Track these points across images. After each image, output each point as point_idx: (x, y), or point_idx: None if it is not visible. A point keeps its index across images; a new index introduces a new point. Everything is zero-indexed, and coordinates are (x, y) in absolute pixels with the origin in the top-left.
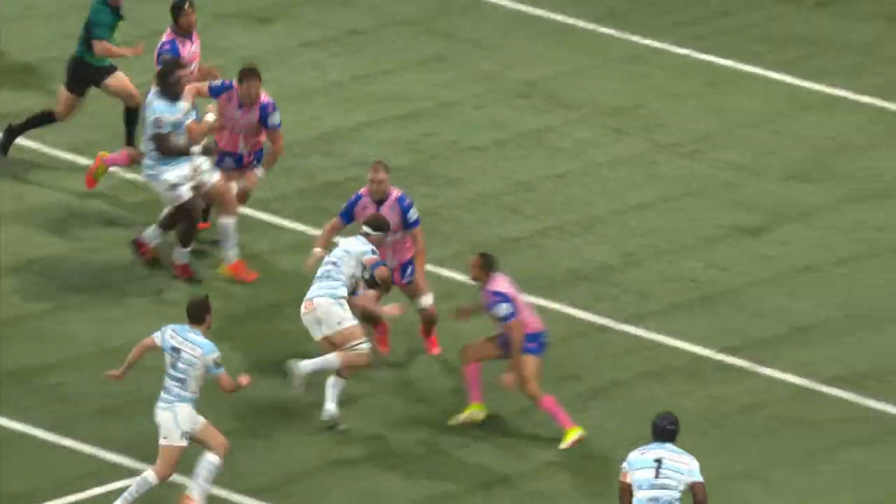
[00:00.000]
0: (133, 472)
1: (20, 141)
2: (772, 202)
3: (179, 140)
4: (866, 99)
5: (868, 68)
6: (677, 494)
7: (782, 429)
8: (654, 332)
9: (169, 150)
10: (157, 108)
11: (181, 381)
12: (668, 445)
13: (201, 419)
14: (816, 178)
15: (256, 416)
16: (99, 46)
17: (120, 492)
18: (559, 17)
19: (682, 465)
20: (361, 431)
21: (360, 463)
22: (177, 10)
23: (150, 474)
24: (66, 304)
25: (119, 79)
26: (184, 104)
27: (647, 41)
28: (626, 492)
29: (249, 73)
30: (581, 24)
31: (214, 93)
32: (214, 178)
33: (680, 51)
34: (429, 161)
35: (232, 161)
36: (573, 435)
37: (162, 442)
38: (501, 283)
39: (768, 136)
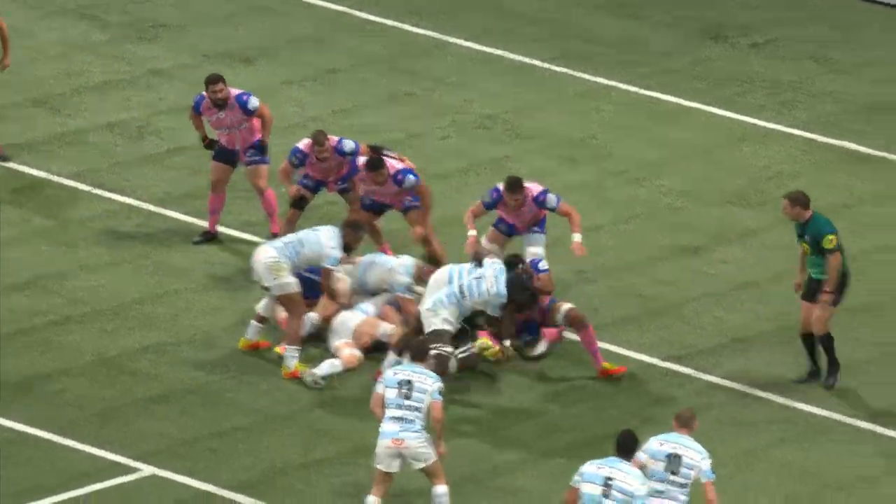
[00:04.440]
0: (129, 470)
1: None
2: (711, 225)
3: None
4: (796, 131)
5: (797, 104)
6: None
7: (722, 430)
8: (605, 342)
9: None
10: None
11: (419, 409)
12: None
13: None
14: (752, 203)
15: (241, 415)
16: None
17: (119, 488)
18: (517, 57)
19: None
20: (338, 432)
21: (338, 459)
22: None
23: (443, 487)
24: (70, 317)
25: None
26: None
27: (597, 79)
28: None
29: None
30: (537, 63)
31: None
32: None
33: (627, 88)
34: None
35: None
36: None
37: (420, 466)
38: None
39: (707, 166)
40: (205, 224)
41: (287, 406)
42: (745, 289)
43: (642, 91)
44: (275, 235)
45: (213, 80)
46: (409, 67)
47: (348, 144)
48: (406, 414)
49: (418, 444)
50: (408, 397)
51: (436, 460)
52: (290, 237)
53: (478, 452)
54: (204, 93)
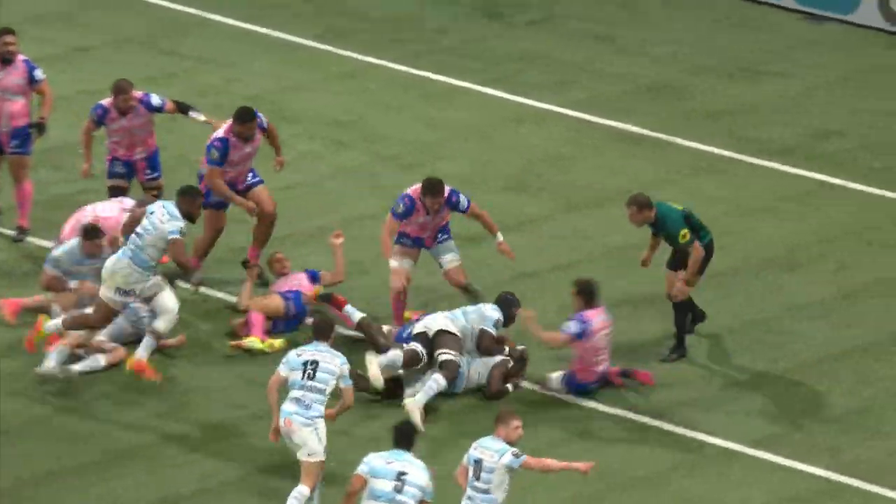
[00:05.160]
0: None
1: None
2: (492, 212)
3: None
4: (573, 112)
5: (575, 84)
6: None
7: None
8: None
9: None
10: None
11: (321, 391)
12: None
13: None
14: (531, 189)
15: None
16: None
17: None
18: (281, 35)
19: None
20: (96, 435)
21: (94, 466)
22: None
23: (304, 489)
24: None
25: None
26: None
27: (365, 58)
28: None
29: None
30: (302, 41)
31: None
32: None
33: (397, 67)
34: None
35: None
36: None
37: (305, 458)
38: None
39: (484, 148)
40: None
41: (33, 412)
42: (526, 278)
43: (413, 70)
44: (21, 228)
45: (4, 31)
46: (168, 46)
47: (156, 99)
48: (305, 395)
49: (307, 431)
50: (311, 377)
51: (318, 462)
52: (132, 236)
53: (250, 453)
54: None
